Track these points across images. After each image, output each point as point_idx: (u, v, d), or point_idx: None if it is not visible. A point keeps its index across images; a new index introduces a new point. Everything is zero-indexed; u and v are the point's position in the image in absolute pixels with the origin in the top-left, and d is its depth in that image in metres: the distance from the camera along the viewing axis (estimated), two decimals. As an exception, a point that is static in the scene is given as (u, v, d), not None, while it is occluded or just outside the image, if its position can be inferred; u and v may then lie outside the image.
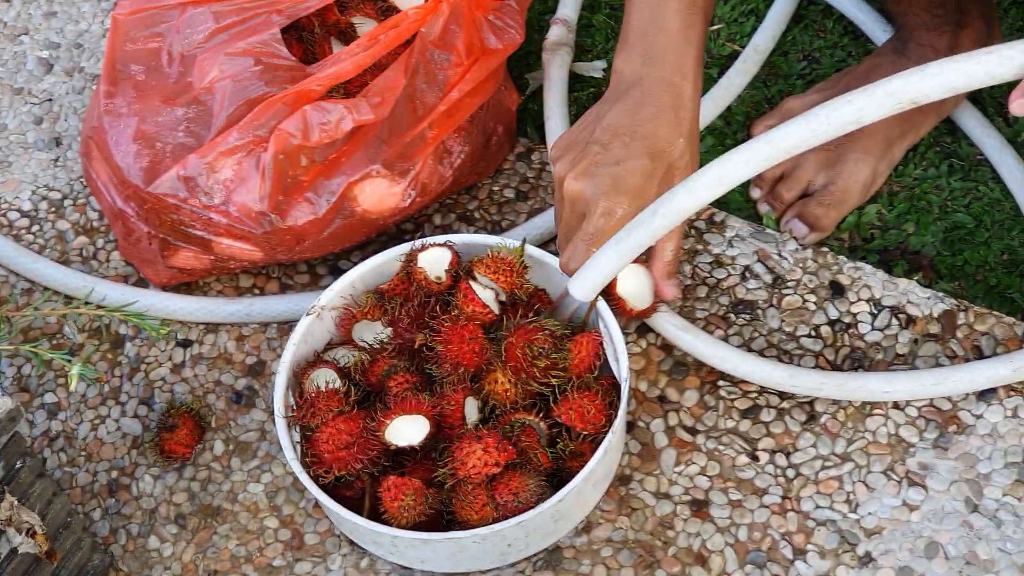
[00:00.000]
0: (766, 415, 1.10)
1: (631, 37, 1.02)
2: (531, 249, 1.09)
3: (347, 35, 1.26)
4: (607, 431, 1.00)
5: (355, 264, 1.14)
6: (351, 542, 1.07)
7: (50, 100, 1.38)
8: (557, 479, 1.01)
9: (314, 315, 1.08)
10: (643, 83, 1.01)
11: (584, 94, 1.32)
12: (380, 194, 1.16)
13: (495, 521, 0.97)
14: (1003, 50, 0.81)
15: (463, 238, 1.11)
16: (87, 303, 1.05)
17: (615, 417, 1.01)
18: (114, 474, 1.13)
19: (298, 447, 1.02)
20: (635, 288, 1.07)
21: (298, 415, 1.02)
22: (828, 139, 0.88)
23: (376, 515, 1.00)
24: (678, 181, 0.98)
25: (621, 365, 1.02)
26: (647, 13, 1.02)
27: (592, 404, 0.99)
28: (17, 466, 0.94)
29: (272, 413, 1.14)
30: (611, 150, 0.99)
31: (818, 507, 1.05)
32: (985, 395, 1.08)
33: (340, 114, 1.12)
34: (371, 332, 1.09)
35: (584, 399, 1.00)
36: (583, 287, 1.01)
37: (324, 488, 1.00)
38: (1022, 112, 0.83)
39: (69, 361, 0.96)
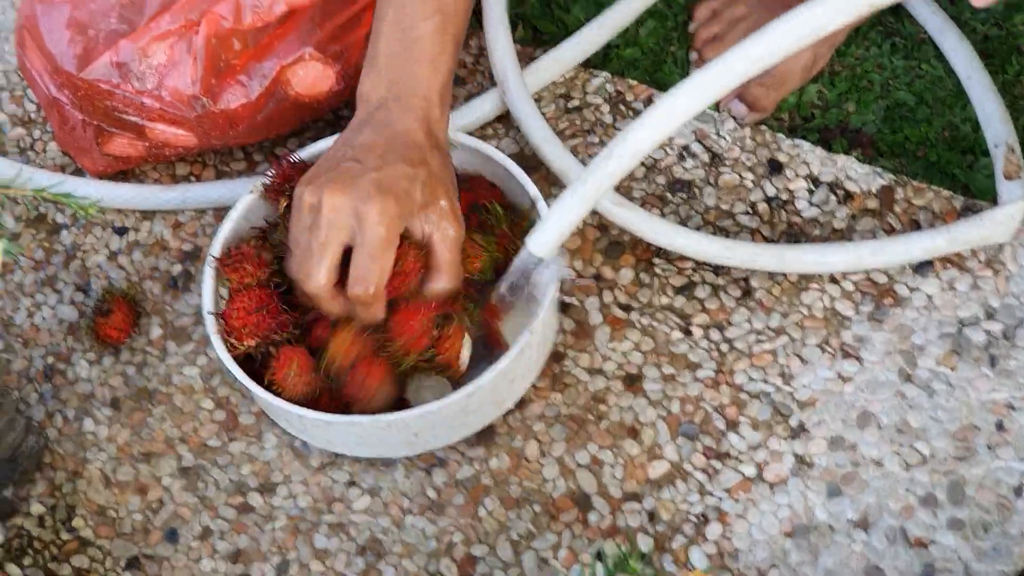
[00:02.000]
0: (701, 292, 1.09)
1: (379, 63, 1.00)
2: (466, 138, 1.08)
3: (284, -80, 1.24)
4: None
5: (292, 152, 1.13)
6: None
7: (-13, -5, 1.37)
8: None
9: (257, 194, 1.07)
10: (389, 106, 0.98)
11: (525, -21, 1.31)
12: (314, 77, 1.15)
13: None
14: None
15: None
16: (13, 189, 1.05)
17: (537, 315, 1.00)
18: (50, 360, 1.12)
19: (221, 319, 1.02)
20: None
21: (223, 261, 1.01)
22: (783, 58, 0.86)
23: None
24: (440, 193, 0.96)
25: (548, 292, 1.00)
26: (396, 38, 0.99)
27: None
28: (-58, 342, 0.94)
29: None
30: (367, 163, 0.95)
31: (751, 380, 1.05)
32: (921, 268, 1.08)
33: None
34: None
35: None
36: (545, 243, 0.97)
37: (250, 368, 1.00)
38: (984, 4, 0.82)
39: (-6, 241, 0.95)
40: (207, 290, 1.03)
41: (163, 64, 1.12)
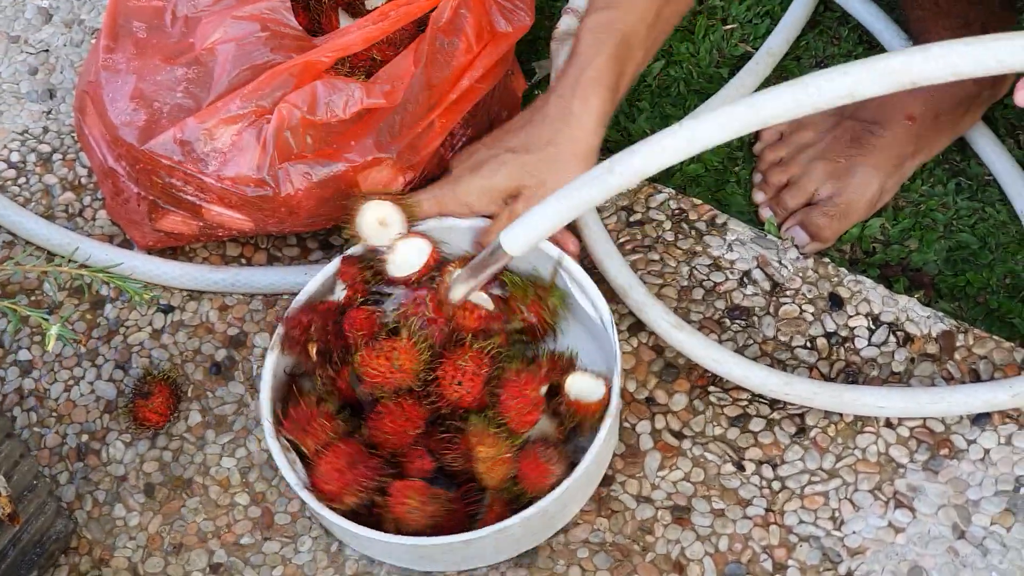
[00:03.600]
0: (755, 425, 1.07)
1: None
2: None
3: (355, 7, 1.23)
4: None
5: (346, 241, 1.11)
6: (322, 526, 1.04)
7: (47, 51, 1.35)
8: None
9: (277, 351, 1.03)
10: (547, 105, 1.04)
11: (592, 85, 1.29)
12: (383, 181, 1.12)
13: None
14: (1016, 38, 0.74)
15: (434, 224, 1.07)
16: (70, 261, 1.02)
17: (606, 412, 0.99)
18: (84, 438, 1.10)
19: (296, 465, 0.98)
20: (582, 387, 1.01)
21: (290, 428, 0.98)
22: (814, 111, 0.80)
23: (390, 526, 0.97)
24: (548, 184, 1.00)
25: (615, 374, 1.00)
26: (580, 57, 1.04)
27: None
28: (-16, 425, 0.91)
29: (252, 387, 1.11)
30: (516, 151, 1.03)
31: (802, 522, 1.03)
32: (979, 420, 1.06)
33: (350, 93, 1.09)
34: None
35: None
36: (516, 241, 0.94)
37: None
38: None
39: (47, 320, 0.92)
40: (283, 464, 0.97)
41: (228, 147, 1.10)
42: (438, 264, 1.05)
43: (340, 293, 1.06)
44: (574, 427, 1.00)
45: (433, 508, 0.95)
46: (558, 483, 0.96)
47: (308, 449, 0.97)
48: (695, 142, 0.83)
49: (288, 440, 0.98)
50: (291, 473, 0.97)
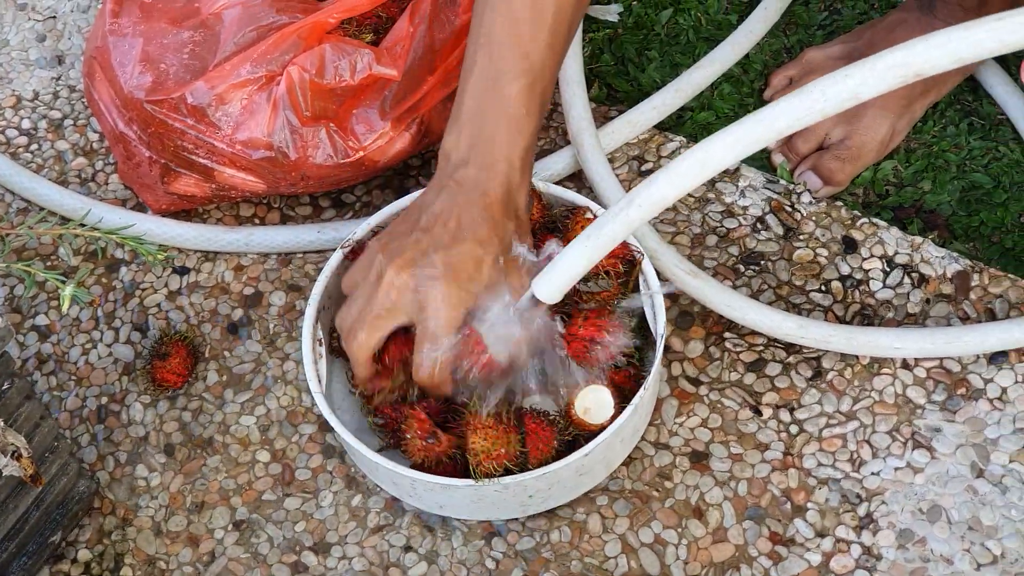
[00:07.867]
0: (772, 369, 1.08)
1: (463, 119, 0.97)
2: (556, 188, 1.07)
3: (360, -35, 1.22)
4: (637, 390, 0.98)
5: (358, 199, 1.11)
6: (345, 478, 1.05)
7: (54, 17, 1.35)
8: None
9: (347, 249, 1.05)
10: (469, 166, 0.96)
11: (599, 36, 1.29)
12: (389, 141, 1.12)
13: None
14: (1015, 16, 0.75)
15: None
16: (83, 224, 1.03)
17: (647, 375, 0.99)
18: (104, 400, 1.10)
19: (323, 382, 1.01)
20: (593, 403, 0.99)
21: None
22: (824, 117, 0.81)
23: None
24: (514, 267, 0.95)
25: (658, 321, 1.00)
26: (482, 95, 0.96)
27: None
28: (5, 387, 0.92)
29: (270, 345, 1.12)
30: (438, 237, 0.93)
31: (820, 465, 1.03)
32: (996, 359, 1.06)
33: (359, 59, 1.08)
34: None
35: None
36: (549, 288, 0.93)
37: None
38: None
39: (63, 282, 0.93)
40: (308, 352, 1.01)
41: (239, 112, 1.10)
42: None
43: None
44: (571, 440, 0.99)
45: (430, 447, 0.96)
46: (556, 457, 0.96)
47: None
48: (708, 165, 0.84)
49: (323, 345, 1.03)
50: (311, 367, 1.00)
